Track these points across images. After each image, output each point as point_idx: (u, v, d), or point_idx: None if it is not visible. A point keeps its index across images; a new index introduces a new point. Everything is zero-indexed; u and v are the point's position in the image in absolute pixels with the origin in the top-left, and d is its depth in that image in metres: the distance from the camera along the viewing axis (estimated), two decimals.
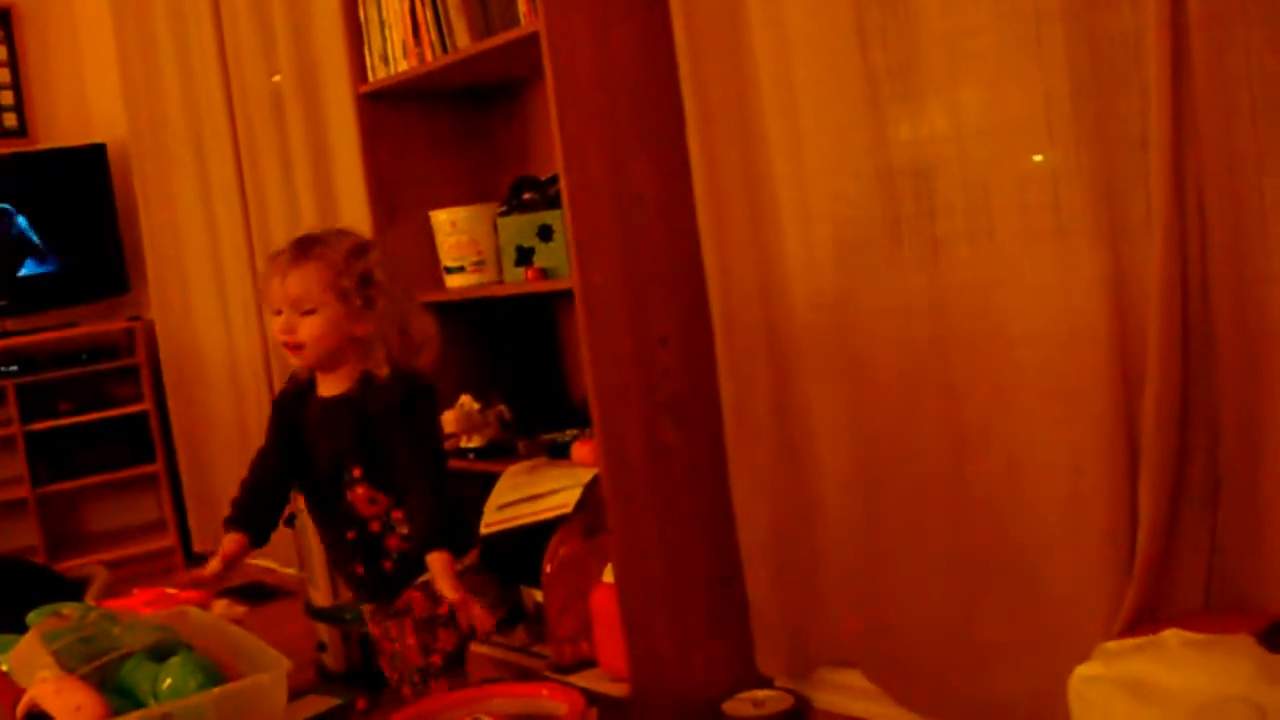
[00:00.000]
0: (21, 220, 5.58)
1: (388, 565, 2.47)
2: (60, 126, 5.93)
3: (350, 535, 2.47)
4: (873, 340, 2.71)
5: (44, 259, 5.61)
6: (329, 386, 2.46)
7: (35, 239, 5.59)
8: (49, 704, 2.89)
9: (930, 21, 2.52)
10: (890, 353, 2.69)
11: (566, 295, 3.08)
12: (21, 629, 3.50)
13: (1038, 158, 2.41)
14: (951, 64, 2.50)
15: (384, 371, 2.40)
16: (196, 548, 5.53)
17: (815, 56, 2.71)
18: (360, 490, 2.43)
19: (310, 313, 2.36)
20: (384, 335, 2.40)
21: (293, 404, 2.53)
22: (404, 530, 2.43)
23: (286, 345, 2.40)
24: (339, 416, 2.43)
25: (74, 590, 4.36)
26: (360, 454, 2.41)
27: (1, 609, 3.97)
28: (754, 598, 3.05)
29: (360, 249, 2.41)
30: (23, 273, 5.59)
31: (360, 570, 2.50)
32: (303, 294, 2.35)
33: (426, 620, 2.46)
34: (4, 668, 3.20)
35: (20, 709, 2.93)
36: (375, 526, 2.45)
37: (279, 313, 2.39)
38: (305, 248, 2.39)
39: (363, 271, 2.38)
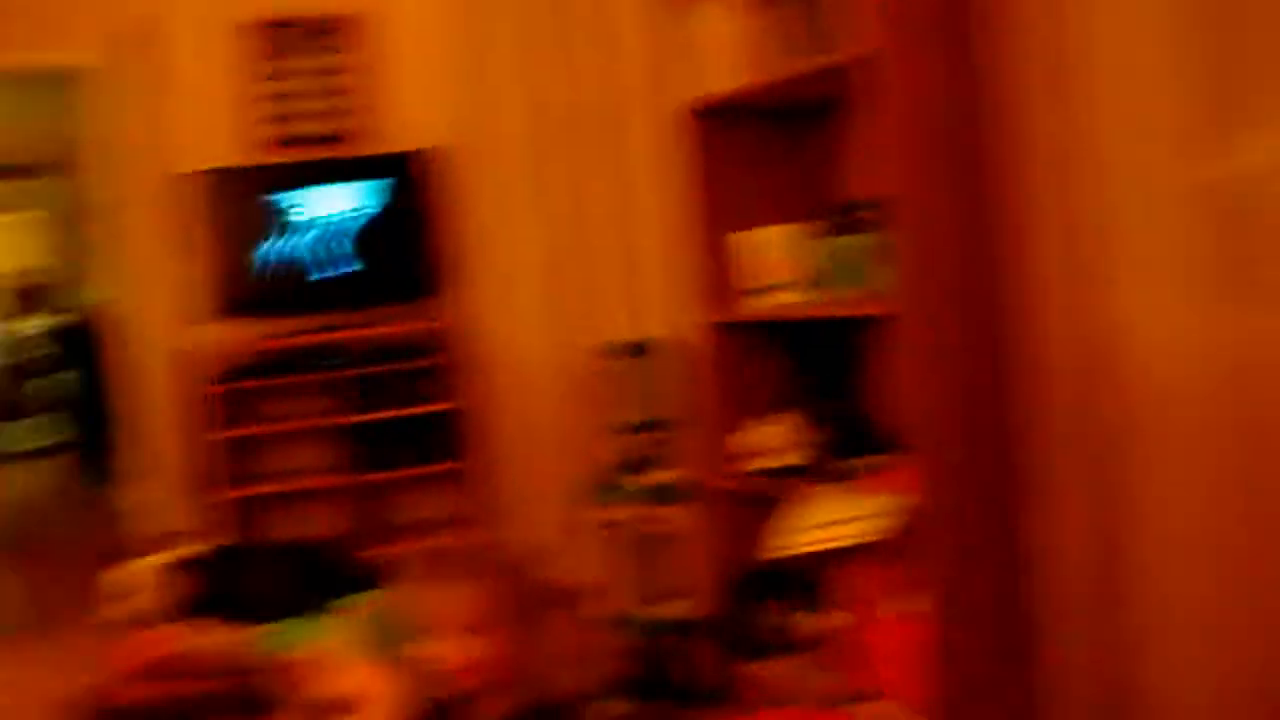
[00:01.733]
0: (345, 221, 5.83)
1: None
2: (384, 132, 6.17)
3: None
4: (1181, 375, 2.60)
5: (365, 261, 5.85)
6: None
7: (358, 240, 5.83)
8: (354, 689, 3.01)
9: (1252, 53, 2.40)
10: (1196, 389, 2.57)
11: (880, 322, 3.04)
12: (325, 611, 3.65)
13: None
14: (1274, 100, 2.38)
15: None
16: (492, 544, 5.66)
17: (1150, 91, 2.61)
18: None
19: (474, 635, 2.25)
20: (542, 655, 2.24)
21: None
22: None
23: (450, 670, 2.26)
24: None
25: (378, 577, 4.52)
26: None
27: (309, 592, 4.15)
28: (1055, 638, 2.95)
29: (515, 566, 2.27)
30: (347, 271, 5.83)
31: None
32: (474, 612, 2.25)
33: None
34: (316, 651, 3.35)
35: (326, 692, 3.06)
36: None
37: (435, 636, 2.27)
38: (462, 566, 2.24)
39: (523, 586, 2.24)
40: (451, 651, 2.16)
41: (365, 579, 4.44)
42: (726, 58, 3.35)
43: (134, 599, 4.32)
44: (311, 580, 4.31)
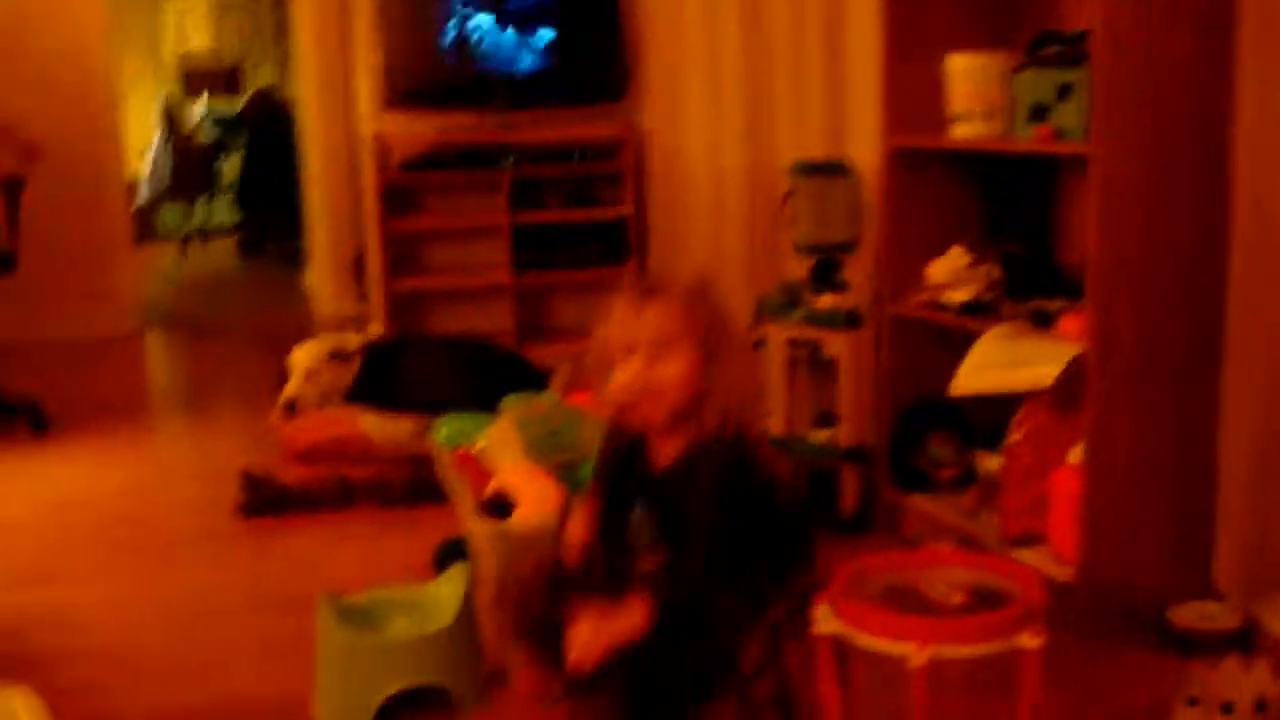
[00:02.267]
0: (532, 15, 5.78)
1: None
2: None
3: None
4: None
5: (549, 59, 5.81)
6: (661, 452, 2.21)
7: (543, 38, 5.79)
8: (517, 489, 3.06)
9: None
10: None
11: (1074, 160, 2.93)
12: (490, 409, 3.71)
13: None
14: None
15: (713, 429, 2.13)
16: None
17: None
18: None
19: (670, 351, 2.12)
20: (719, 401, 2.12)
21: (620, 468, 2.27)
22: None
23: (640, 392, 2.13)
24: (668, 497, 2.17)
25: (541, 378, 4.58)
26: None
27: (475, 388, 4.22)
28: (1223, 507, 2.88)
29: (702, 289, 2.19)
30: (526, 69, 5.81)
31: None
32: (666, 331, 2.11)
33: None
34: (478, 446, 3.41)
35: (490, 490, 3.12)
36: None
37: (626, 357, 2.13)
38: (654, 285, 2.18)
39: (712, 311, 2.17)
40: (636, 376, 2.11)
41: (531, 378, 4.49)
42: None
43: (304, 383, 4.43)
44: (478, 376, 4.37)
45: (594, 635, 2.02)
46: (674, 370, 2.11)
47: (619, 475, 2.26)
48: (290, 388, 4.42)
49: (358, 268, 6.74)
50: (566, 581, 2.19)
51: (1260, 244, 2.73)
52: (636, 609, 2.02)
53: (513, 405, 3.62)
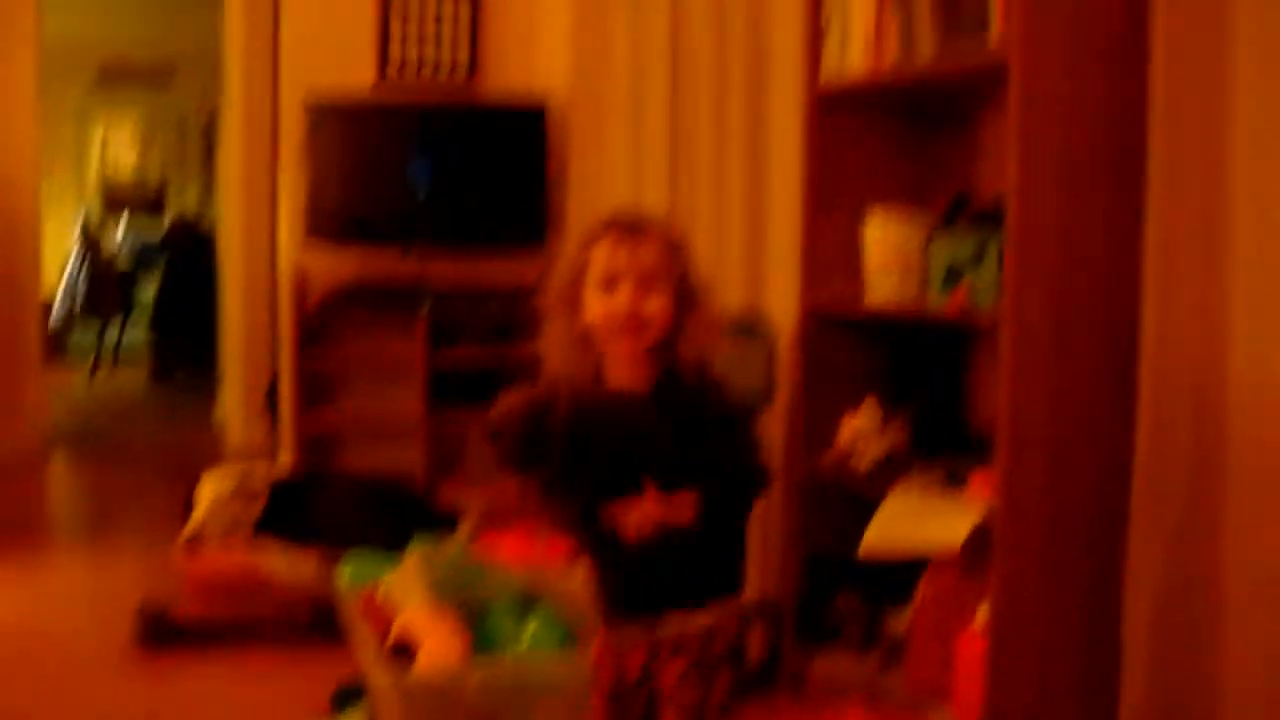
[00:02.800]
0: (455, 161, 5.83)
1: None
2: (507, 78, 6.18)
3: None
4: None
5: (473, 201, 5.85)
6: (629, 377, 2.30)
7: (467, 180, 5.84)
8: (420, 634, 3.02)
9: None
10: None
11: (982, 323, 2.99)
12: (397, 549, 3.67)
13: None
14: None
15: (692, 366, 2.27)
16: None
17: None
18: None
19: (656, 285, 2.22)
20: (698, 330, 2.26)
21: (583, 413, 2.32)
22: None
23: (630, 320, 2.21)
24: (665, 412, 2.28)
25: (449, 521, 4.55)
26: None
27: (382, 528, 4.18)
28: (1126, 669, 2.89)
29: (681, 242, 2.29)
30: (450, 210, 5.84)
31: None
32: (656, 265, 2.22)
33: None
34: (382, 588, 3.37)
35: (394, 632, 3.08)
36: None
37: (610, 285, 2.22)
38: (643, 224, 2.27)
39: (686, 260, 2.28)
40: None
41: (440, 520, 4.46)
42: (863, 42, 3.30)
43: (209, 515, 4.36)
44: (386, 516, 4.34)
45: (649, 510, 2.18)
46: (658, 304, 2.20)
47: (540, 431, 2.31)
48: (195, 520, 4.36)
49: (270, 399, 6.70)
50: None
51: (1164, 414, 2.78)
52: (686, 500, 2.18)
53: (419, 548, 3.59)
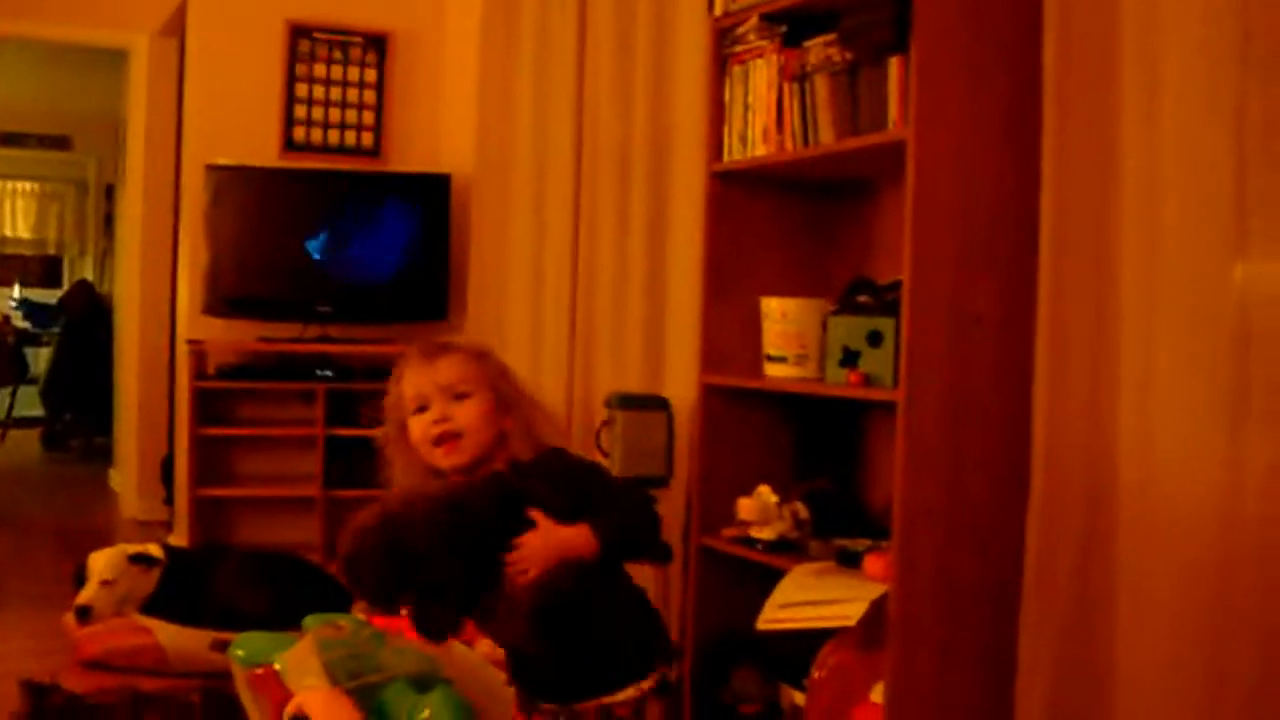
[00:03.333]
0: (358, 233, 5.83)
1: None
2: (411, 152, 6.20)
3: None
4: (1197, 513, 2.58)
5: (375, 275, 5.84)
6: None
7: (370, 254, 5.83)
8: (315, 712, 2.98)
9: None
10: (1214, 529, 2.55)
11: (883, 404, 3.03)
12: (293, 625, 3.62)
13: None
14: None
15: (527, 453, 2.34)
16: None
17: (1185, 212, 2.60)
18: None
19: (464, 397, 2.31)
20: (526, 428, 2.35)
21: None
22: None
23: (442, 438, 2.30)
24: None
25: (346, 596, 4.49)
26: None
27: (278, 603, 4.12)
28: None
29: (486, 349, 2.41)
30: (351, 283, 5.83)
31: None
32: (458, 378, 2.31)
33: None
34: (276, 667, 3.32)
35: (288, 713, 3.03)
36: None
37: (423, 409, 2.32)
38: (442, 344, 2.37)
39: (499, 366, 2.38)
40: None
41: (337, 594, 4.40)
42: (762, 125, 3.36)
43: (100, 589, 4.28)
44: (282, 591, 4.28)
45: (543, 534, 2.21)
46: (471, 410, 2.28)
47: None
48: (86, 593, 4.27)
49: (165, 471, 6.61)
50: None
51: (1055, 494, 2.83)
52: (584, 532, 2.23)
53: (314, 624, 3.53)
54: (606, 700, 2.30)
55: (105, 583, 4.27)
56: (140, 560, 4.35)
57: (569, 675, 2.30)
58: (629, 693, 2.33)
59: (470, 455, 2.29)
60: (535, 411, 2.37)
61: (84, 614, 4.23)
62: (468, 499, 2.25)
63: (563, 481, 2.31)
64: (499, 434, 2.30)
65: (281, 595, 4.22)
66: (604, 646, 2.30)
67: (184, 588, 4.37)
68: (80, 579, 4.34)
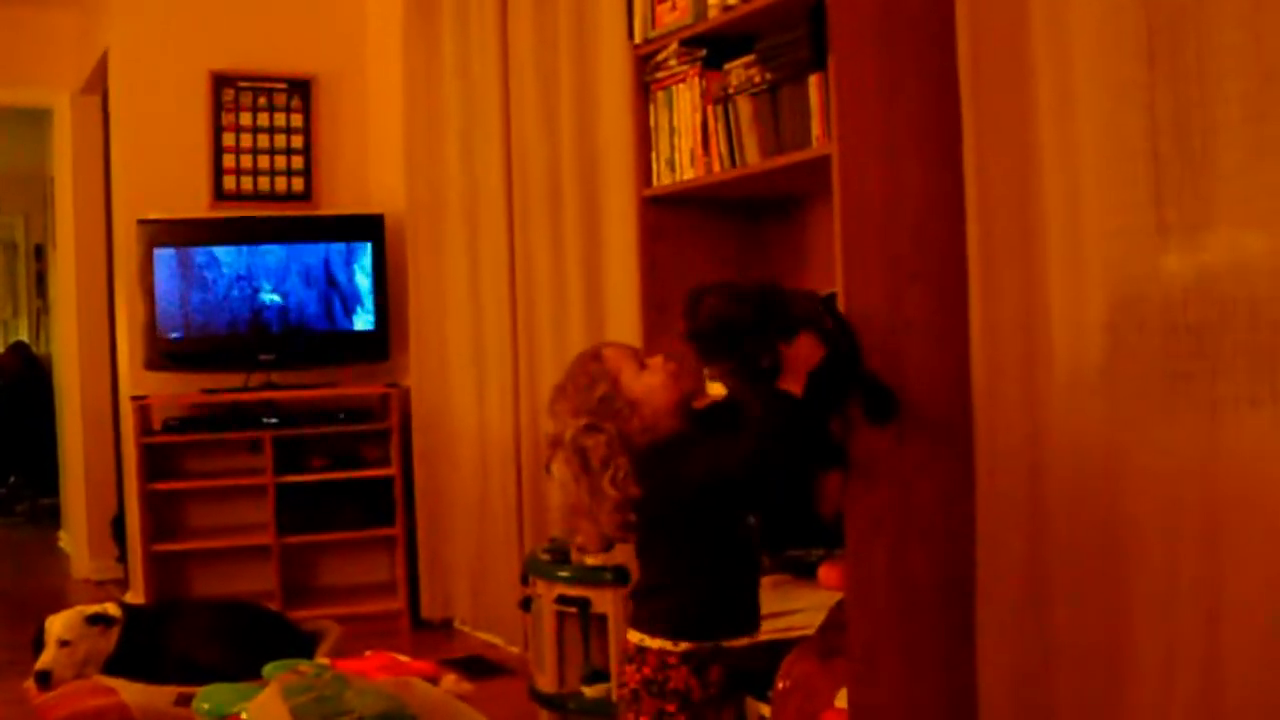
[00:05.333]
0: (296, 278, 5.83)
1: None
2: (342, 194, 6.21)
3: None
4: (1137, 496, 2.64)
5: (314, 319, 5.84)
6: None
7: (308, 299, 5.83)
8: None
9: (1226, 181, 2.44)
10: (1154, 510, 2.61)
11: None
12: (254, 672, 3.64)
13: None
14: (1243, 226, 2.43)
15: None
16: (424, 615, 5.64)
17: (1105, 206, 2.66)
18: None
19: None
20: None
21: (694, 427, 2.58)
22: None
23: (679, 370, 2.50)
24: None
25: (306, 642, 4.50)
26: None
27: (241, 653, 4.12)
28: None
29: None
30: (292, 330, 5.83)
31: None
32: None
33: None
34: (243, 717, 3.33)
35: None
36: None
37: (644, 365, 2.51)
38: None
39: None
40: None
41: (298, 641, 4.41)
42: (688, 149, 3.41)
43: (59, 651, 4.26)
44: (243, 641, 4.28)
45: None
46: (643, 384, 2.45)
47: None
48: (45, 658, 4.25)
49: (117, 529, 6.57)
50: None
51: (998, 486, 2.89)
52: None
53: (275, 672, 3.55)
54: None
55: (63, 644, 4.25)
56: (98, 620, 4.34)
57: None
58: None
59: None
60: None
61: (44, 679, 4.22)
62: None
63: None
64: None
65: (243, 645, 4.23)
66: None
67: (144, 645, 4.36)
68: (39, 644, 4.32)
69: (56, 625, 4.33)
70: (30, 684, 4.27)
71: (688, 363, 2.49)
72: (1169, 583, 2.58)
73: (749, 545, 2.56)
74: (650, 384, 2.45)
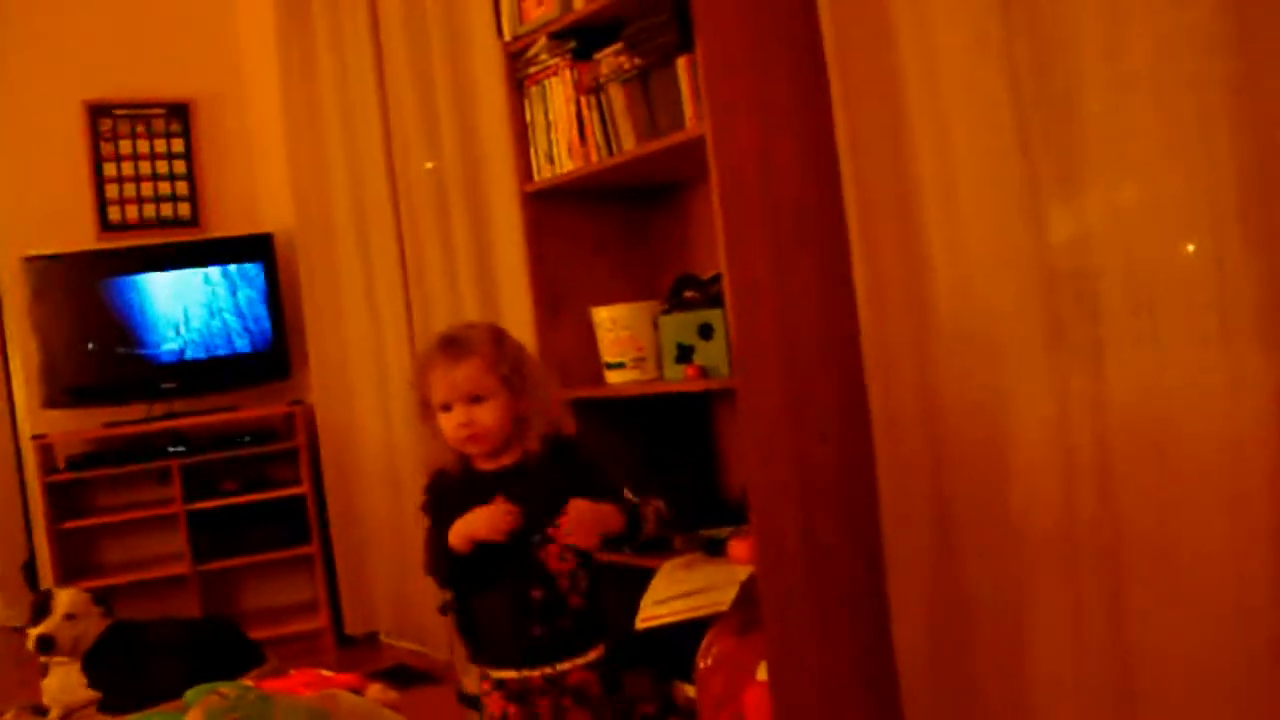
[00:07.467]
0: (190, 305, 5.77)
1: (566, 624, 2.51)
2: (230, 216, 6.16)
3: (536, 594, 2.49)
4: (1030, 444, 2.69)
5: (212, 344, 5.79)
6: (492, 463, 2.54)
7: (204, 324, 5.78)
8: None
9: (1091, 123, 2.50)
10: (1048, 456, 2.66)
11: (725, 393, 3.10)
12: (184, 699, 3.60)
13: (1190, 247, 2.38)
14: (1114, 166, 2.49)
15: (538, 442, 2.52)
16: (348, 630, 5.61)
17: (976, 160, 2.72)
18: (552, 548, 2.48)
19: (482, 400, 2.47)
20: (539, 409, 2.51)
21: (453, 486, 2.57)
22: (583, 585, 2.52)
23: (468, 438, 2.48)
24: (520, 483, 2.50)
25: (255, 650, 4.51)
26: (550, 514, 2.46)
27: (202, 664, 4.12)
28: (908, 700, 3.02)
29: (500, 335, 2.55)
30: (190, 356, 5.77)
31: (537, 631, 2.50)
32: (476, 386, 2.47)
33: (599, 703, 2.54)
34: None
35: None
36: (564, 584, 2.50)
37: (446, 408, 2.49)
38: (460, 344, 2.51)
39: (512, 355, 2.51)
40: None
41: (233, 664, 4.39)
42: (566, 141, 3.42)
43: (63, 621, 4.29)
44: (196, 659, 4.29)
45: (591, 513, 2.43)
46: (490, 412, 2.47)
47: (450, 491, 2.55)
48: (49, 624, 4.26)
49: (28, 573, 6.47)
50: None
51: (897, 449, 2.93)
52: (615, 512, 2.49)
53: (196, 697, 3.52)
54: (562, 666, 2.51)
55: (69, 617, 4.32)
56: (102, 603, 4.44)
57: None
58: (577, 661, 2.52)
59: (493, 444, 2.51)
60: (547, 393, 2.54)
61: (47, 644, 4.28)
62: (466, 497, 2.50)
63: (567, 479, 2.50)
64: (517, 419, 2.50)
65: (201, 658, 4.28)
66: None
67: (122, 645, 4.44)
68: (40, 611, 4.35)
69: (65, 598, 4.37)
70: (30, 646, 4.29)
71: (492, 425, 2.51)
72: (1068, 525, 2.64)
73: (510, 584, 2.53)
74: (445, 426, 2.52)
